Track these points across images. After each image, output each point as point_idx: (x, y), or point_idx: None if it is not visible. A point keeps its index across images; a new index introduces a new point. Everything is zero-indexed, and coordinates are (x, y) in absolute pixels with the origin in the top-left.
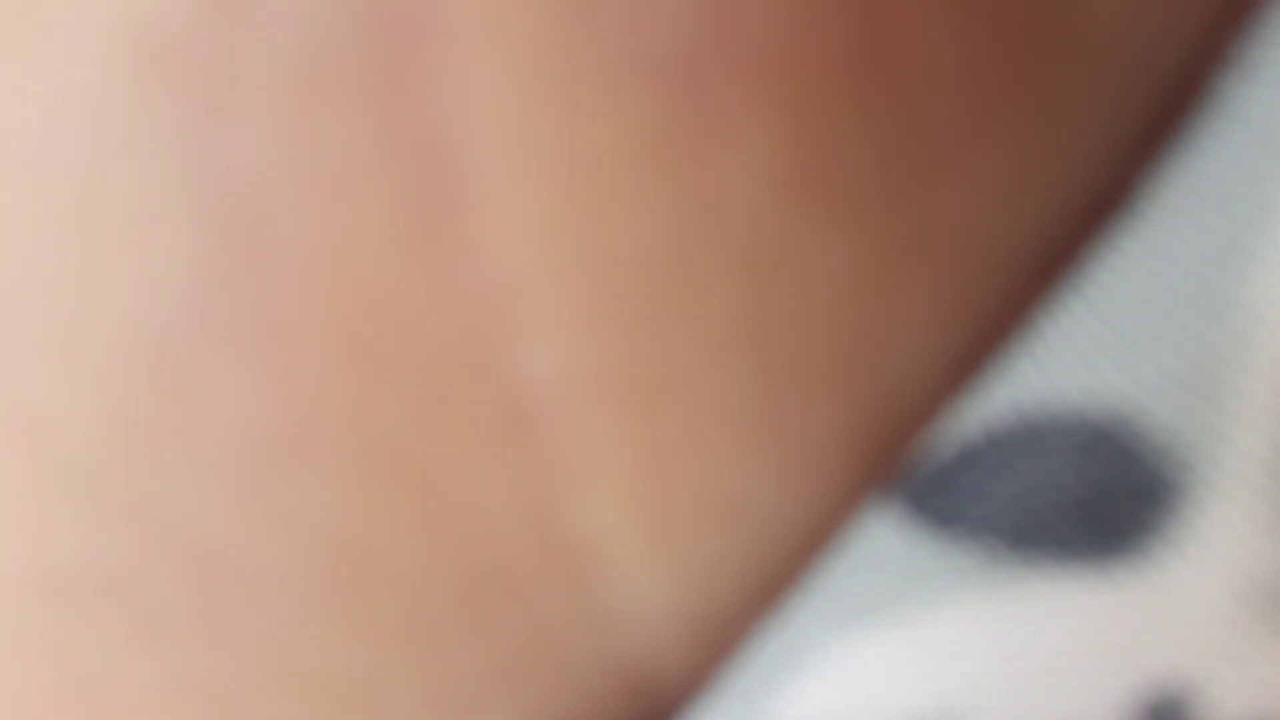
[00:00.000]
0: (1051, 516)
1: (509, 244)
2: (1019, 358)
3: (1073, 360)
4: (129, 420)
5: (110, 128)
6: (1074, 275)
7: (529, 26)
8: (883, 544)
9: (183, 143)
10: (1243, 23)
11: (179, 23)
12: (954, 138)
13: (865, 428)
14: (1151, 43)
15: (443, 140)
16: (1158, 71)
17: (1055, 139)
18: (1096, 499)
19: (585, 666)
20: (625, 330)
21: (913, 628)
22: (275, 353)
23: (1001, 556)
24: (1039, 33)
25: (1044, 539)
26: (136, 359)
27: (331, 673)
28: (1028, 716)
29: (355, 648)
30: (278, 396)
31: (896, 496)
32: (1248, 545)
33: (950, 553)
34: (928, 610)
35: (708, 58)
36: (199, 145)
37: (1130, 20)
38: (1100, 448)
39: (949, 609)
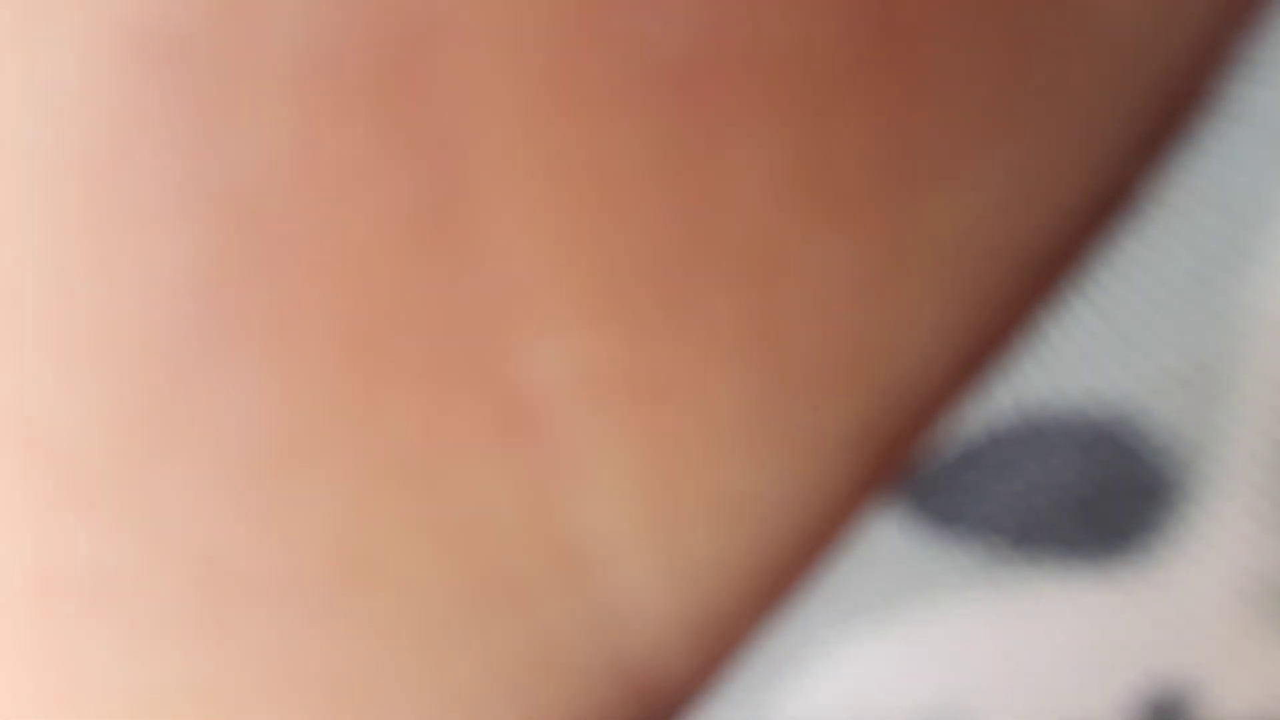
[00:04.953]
0: (1054, 515)
1: (514, 246)
2: (1021, 357)
3: (1075, 360)
4: (132, 422)
5: (114, 127)
6: (1077, 275)
7: (535, 29)
8: (886, 543)
9: (187, 143)
10: (1245, 25)
11: (183, 23)
12: (957, 141)
13: (868, 428)
14: (1154, 46)
15: (448, 142)
16: (1160, 74)
17: (1058, 141)
18: (1098, 498)
19: (588, 666)
20: (630, 332)
21: (915, 626)
22: (279, 354)
23: (1004, 555)
24: (1041, 36)
25: (1046, 538)
26: (139, 360)
27: (335, 674)
28: (1030, 714)
29: (358, 649)
30: (281, 397)
31: (900, 496)
32: (1249, 544)
33: (953, 552)
34: (930, 609)
35: (713, 62)
36: (204, 146)
37: (1133, 24)
38: (1102, 447)
39: (952, 608)
